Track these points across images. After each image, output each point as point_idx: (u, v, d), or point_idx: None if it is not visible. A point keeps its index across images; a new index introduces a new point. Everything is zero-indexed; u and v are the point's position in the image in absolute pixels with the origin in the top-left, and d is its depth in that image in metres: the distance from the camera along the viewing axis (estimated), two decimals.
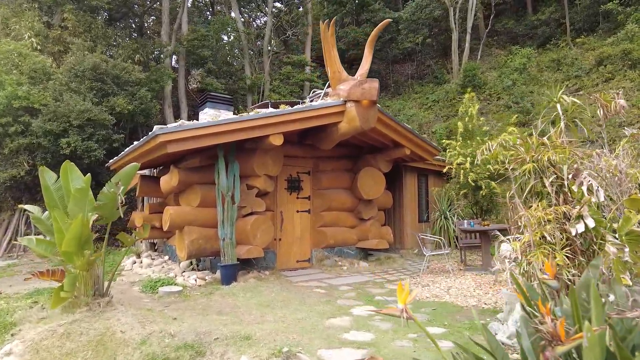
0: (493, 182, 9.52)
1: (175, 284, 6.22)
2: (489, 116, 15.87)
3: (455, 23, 19.19)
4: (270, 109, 6.65)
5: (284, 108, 6.57)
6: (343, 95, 6.84)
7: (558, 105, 4.24)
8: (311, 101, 8.07)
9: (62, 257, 4.39)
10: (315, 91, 8.94)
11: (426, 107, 19.58)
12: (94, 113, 10.78)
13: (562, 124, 4.31)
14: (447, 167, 9.72)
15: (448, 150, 10.01)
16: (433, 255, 8.01)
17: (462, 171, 9.44)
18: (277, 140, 6.46)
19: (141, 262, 8.69)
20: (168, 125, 5.92)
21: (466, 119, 10.38)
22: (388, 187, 9.20)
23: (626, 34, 14.88)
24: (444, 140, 11.02)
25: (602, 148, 4.58)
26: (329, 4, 24.14)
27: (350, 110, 6.80)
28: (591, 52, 16.64)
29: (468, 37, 19.48)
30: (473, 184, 9.37)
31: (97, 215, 4.59)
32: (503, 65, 18.93)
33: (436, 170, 11.00)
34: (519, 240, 3.85)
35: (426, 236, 7.67)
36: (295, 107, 6.75)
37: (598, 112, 5.03)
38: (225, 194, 6.58)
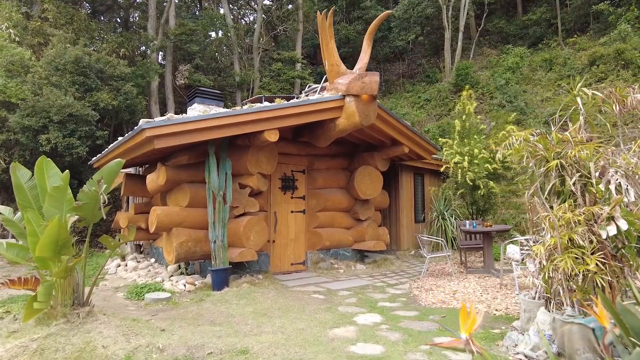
0: (491, 182, 9.32)
1: (162, 290, 5.80)
2: (482, 115, 15.72)
3: (448, 21, 19.02)
4: (265, 103, 6.27)
5: (279, 102, 6.20)
6: (342, 90, 6.50)
7: (579, 99, 3.96)
8: (306, 96, 7.71)
9: (36, 263, 3.96)
10: (310, 86, 8.58)
11: (418, 106, 19.39)
12: (76, 108, 10.24)
13: (581, 119, 4.04)
14: (444, 167, 9.48)
15: (444, 149, 9.78)
16: (432, 257, 7.69)
17: (459, 170, 9.22)
18: (272, 136, 6.09)
19: (126, 266, 8.23)
20: (155, 119, 5.50)
21: (463, 117, 10.16)
22: (384, 186, 8.89)
23: (619, 34, 14.88)
24: (440, 139, 10.78)
25: (618, 146, 4.33)
26: (320, 0, 23.80)
27: (349, 105, 6.46)
28: (583, 52, 16.64)
29: (460, 36, 19.35)
30: (471, 184, 9.16)
31: (76, 216, 4.17)
32: (495, 64, 18.84)
33: (432, 169, 10.76)
34: (540, 243, 3.56)
35: (428, 237, 7.38)
36: (292, 101, 6.38)
37: (614, 107, 4.78)
38: (217, 193, 6.18)
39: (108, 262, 8.88)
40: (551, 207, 3.80)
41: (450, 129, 16.52)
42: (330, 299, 5.46)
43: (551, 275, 3.30)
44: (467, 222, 7.29)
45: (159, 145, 5.34)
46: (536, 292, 3.85)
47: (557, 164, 3.46)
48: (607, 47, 15.26)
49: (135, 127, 5.47)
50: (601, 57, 15.06)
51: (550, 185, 3.67)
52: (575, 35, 18.24)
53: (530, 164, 3.82)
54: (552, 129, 3.92)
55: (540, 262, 3.46)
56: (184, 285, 6.09)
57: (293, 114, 6.19)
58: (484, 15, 21.09)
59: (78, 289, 4.20)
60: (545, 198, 3.80)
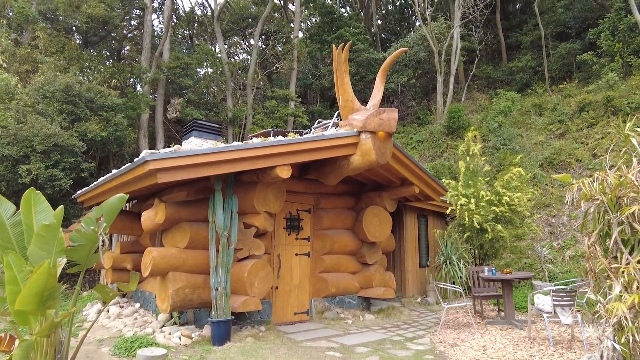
0: (499, 225, 8.99)
1: (156, 344, 5.05)
2: (475, 159, 15.73)
3: (441, 65, 19.48)
4: (279, 137, 5.86)
5: (293, 137, 5.80)
6: (357, 126, 6.16)
7: (633, 140, 3.67)
8: (315, 131, 7.36)
9: (13, 318, 3.27)
10: (320, 121, 8.26)
11: (411, 147, 19.39)
12: (62, 138, 9.61)
13: (635, 161, 3.73)
14: (450, 209, 9.14)
15: (448, 190, 9.49)
16: (450, 307, 7.07)
17: (466, 213, 8.88)
18: (285, 173, 5.63)
19: (108, 311, 7.37)
20: (160, 151, 4.99)
21: (467, 158, 9.98)
22: None
23: (607, 82, 15.36)
24: (443, 180, 10.52)
25: None
26: (312, 42, 24.22)
27: (365, 142, 6.10)
28: (571, 99, 17.09)
29: (452, 79, 19.77)
30: (478, 227, 8.82)
31: (66, 260, 3.54)
32: (486, 108, 19.18)
33: (436, 210, 10.40)
34: (612, 299, 3.12)
35: (447, 285, 6.88)
36: (307, 136, 5.99)
37: None
38: (221, 233, 5.59)
39: (87, 306, 8.00)
40: (615, 258, 3.41)
41: (444, 170, 16.49)
42: (349, 358, 4.82)
43: (637, 338, 2.83)
44: (486, 268, 6.84)
45: (163, 180, 4.81)
46: (602, 355, 3.36)
47: (638, 209, 3.08)
48: (595, 95, 15.70)
49: (136, 159, 4.94)
50: (590, 103, 15.43)
51: (615, 232, 3.29)
52: (565, 83, 18.84)
53: (589, 209, 3.44)
54: (609, 171, 3.59)
55: (617, 323, 3.00)
56: (179, 338, 5.36)
57: (308, 149, 5.78)
58: (476, 60, 21.75)
59: (61, 348, 3.50)
60: (606, 247, 3.41)
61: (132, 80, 17.07)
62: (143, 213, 6.18)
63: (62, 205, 3.49)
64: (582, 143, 14.35)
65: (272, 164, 5.56)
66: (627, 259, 3.07)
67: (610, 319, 3.02)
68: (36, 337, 3.18)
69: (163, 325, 6.00)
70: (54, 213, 3.42)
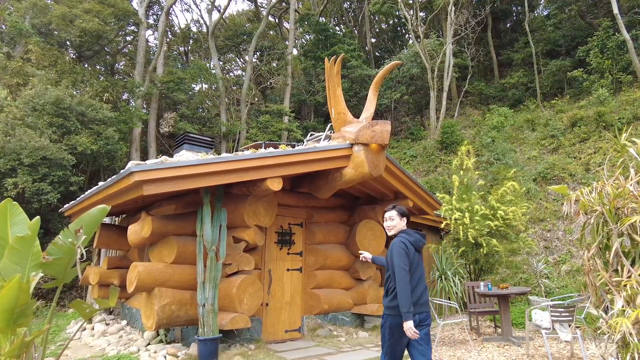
0: (494, 240, 8.88)
1: None
2: (469, 173, 15.70)
3: (433, 81, 19.65)
4: (270, 149, 5.75)
5: (284, 148, 5.70)
6: (350, 138, 6.08)
7: (631, 150, 3.60)
8: (305, 144, 7.27)
9: None
10: (312, 134, 8.18)
11: (404, 162, 19.38)
12: (51, 151, 9.45)
13: (632, 172, 3.65)
14: (444, 223, 9.03)
15: (442, 204, 9.40)
16: (446, 323, 6.91)
17: (460, 227, 8.78)
18: (276, 185, 5.50)
19: (93, 329, 7.13)
20: (146, 162, 4.86)
21: (461, 172, 9.92)
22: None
23: (597, 98, 15.51)
24: (437, 195, 10.45)
25: None
26: (307, 58, 24.40)
27: (357, 154, 6.01)
28: (563, 114, 17.23)
29: (445, 96, 19.93)
30: (473, 241, 8.70)
31: (41, 274, 3.36)
32: (480, 123, 19.29)
33: (430, 225, 10.29)
34: (614, 314, 2.99)
35: (441, 301, 6.71)
36: (298, 147, 5.90)
37: None
38: (209, 248, 5.42)
39: (72, 324, 7.72)
40: (615, 271, 3.29)
41: (438, 184, 16.45)
42: None
43: None
44: (482, 283, 6.69)
45: (149, 192, 4.66)
46: None
47: (638, 220, 2.98)
48: (586, 110, 15.83)
49: (122, 170, 4.80)
50: (581, 119, 15.55)
51: (616, 244, 3.18)
52: (557, 98, 19.03)
53: (591, 220, 3.34)
54: (607, 182, 3.50)
55: (620, 340, 2.86)
56: (164, 357, 5.13)
57: (299, 161, 5.67)
58: (468, 76, 22.00)
59: None
60: (606, 260, 3.30)
61: (125, 95, 17.05)
62: (129, 227, 6.01)
63: (38, 217, 3.33)
64: (574, 158, 14.39)
65: (262, 176, 5.44)
66: (629, 271, 2.96)
67: (614, 336, 2.88)
68: (5, 358, 2.98)
69: (149, 344, 5.77)
70: (29, 224, 3.26)
